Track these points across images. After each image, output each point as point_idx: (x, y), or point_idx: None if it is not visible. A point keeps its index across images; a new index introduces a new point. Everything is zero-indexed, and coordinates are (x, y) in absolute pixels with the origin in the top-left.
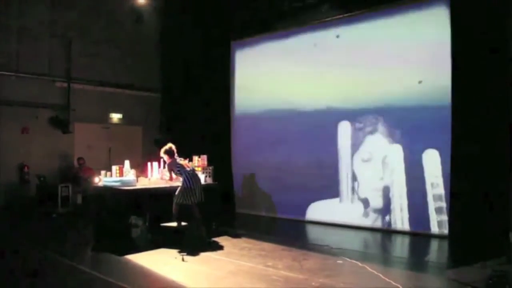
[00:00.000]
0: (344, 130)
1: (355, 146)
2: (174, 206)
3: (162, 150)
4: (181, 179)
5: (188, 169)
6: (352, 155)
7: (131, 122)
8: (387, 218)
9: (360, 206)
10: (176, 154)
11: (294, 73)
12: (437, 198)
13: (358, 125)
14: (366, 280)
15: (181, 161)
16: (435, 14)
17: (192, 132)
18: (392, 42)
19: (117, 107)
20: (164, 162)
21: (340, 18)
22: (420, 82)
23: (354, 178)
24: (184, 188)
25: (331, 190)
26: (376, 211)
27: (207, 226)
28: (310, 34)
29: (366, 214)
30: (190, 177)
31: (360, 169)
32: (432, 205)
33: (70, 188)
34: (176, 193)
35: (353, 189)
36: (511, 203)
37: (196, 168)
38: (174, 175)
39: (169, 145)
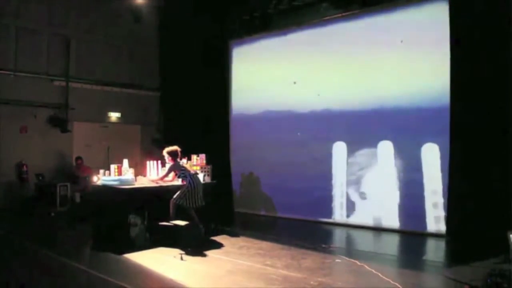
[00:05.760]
0: (342, 131)
1: (353, 147)
2: (172, 205)
3: (166, 149)
4: (175, 180)
5: (191, 172)
6: (349, 155)
7: (130, 121)
8: (386, 216)
9: (358, 205)
10: (179, 157)
11: (292, 73)
12: (434, 196)
13: (355, 126)
14: (364, 279)
15: (185, 164)
16: (435, 13)
17: (191, 131)
18: (391, 42)
19: (115, 106)
20: (163, 162)
21: (338, 17)
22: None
23: (352, 178)
24: (188, 191)
25: (329, 190)
26: (374, 209)
27: (206, 225)
28: (309, 33)
29: (364, 213)
30: (194, 180)
31: (358, 168)
32: (430, 204)
33: (69, 187)
34: (178, 193)
35: (350, 188)
36: (510, 202)
37: (195, 167)
38: (169, 177)
39: (175, 147)
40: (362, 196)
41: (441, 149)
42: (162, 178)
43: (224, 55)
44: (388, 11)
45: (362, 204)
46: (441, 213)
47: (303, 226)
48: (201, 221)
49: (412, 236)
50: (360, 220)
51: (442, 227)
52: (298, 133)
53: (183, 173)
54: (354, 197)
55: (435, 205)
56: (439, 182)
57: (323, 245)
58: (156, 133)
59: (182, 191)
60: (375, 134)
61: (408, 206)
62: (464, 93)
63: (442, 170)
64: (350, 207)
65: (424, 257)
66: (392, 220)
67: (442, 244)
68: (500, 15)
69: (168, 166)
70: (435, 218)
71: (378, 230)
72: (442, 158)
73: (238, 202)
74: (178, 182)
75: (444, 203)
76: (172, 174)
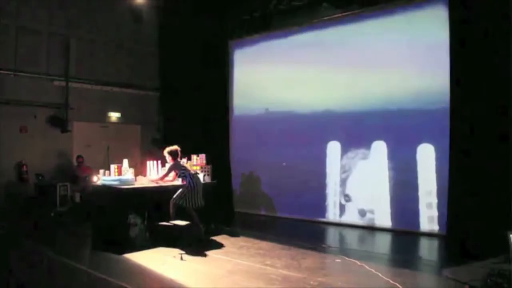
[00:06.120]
0: (342, 131)
1: (351, 146)
2: (172, 205)
3: (167, 149)
4: (176, 180)
5: (191, 172)
6: (347, 155)
7: (130, 121)
8: (383, 216)
9: (357, 205)
10: (179, 157)
11: (292, 73)
12: (430, 196)
13: (353, 126)
14: (364, 279)
15: (185, 164)
16: (435, 14)
17: (191, 131)
18: (391, 42)
19: (115, 106)
20: (163, 162)
21: (339, 17)
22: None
23: (350, 177)
24: (188, 191)
25: (329, 190)
26: (372, 209)
27: (206, 225)
28: (309, 34)
29: (362, 213)
30: (194, 180)
31: (354, 169)
32: (428, 203)
33: (69, 187)
34: (177, 193)
35: (347, 188)
36: (510, 202)
37: (195, 167)
38: (169, 177)
39: (175, 147)
40: (347, 198)
41: (436, 150)
42: (162, 178)
43: (224, 55)
44: (388, 11)
45: (360, 204)
46: (442, 212)
47: (303, 226)
48: (201, 221)
49: (411, 236)
50: (357, 220)
51: (442, 227)
52: (284, 163)
53: (183, 173)
54: (352, 196)
55: (432, 205)
56: (434, 183)
57: (323, 245)
58: (156, 133)
59: (181, 191)
60: (373, 134)
61: (406, 205)
62: (464, 93)
63: (437, 171)
64: (349, 207)
65: (424, 257)
66: (391, 220)
67: (441, 243)
68: (500, 15)
69: (168, 165)
70: (435, 218)
71: (376, 230)
72: (437, 159)
73: (238, 202)
74: (178, 182)
75: (439, 203)
76: (172, 174)
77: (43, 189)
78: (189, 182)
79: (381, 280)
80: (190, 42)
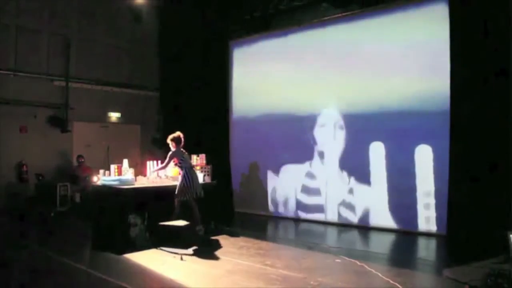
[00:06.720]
0: (340, 134)
1: (348, 148)
2: (175, 203)
3: (170, 136)
4: (176, 180)
5: (189, 165)
6: (347, 155)
7: (130, 121)
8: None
9: (356, 205)
10: (182, 144)
11: (292, 73)
12: (428, 197)
13: (353, 129)
14: (364, 279)
15: (185, 154)
16: (435, 15)
17: (191, 131)
18: (391, 42)
19: (115, 106)
20: (163, 162)
21: (339, 17)
22: None
23: (348, 178)
24: (184, 185)
25: (329, 190)
26: (373, 210)
27: (206, 225)
28: (309, 34)
29: (362, 213)
30: (190, 173)
31: (352, 170)
32: (428, 204)
33: (69, 187)
34: (177, 190)
35: (348, 189)
36: (510, 202)
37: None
38: (171, 165)
39: (178, 133)
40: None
41: (434, 151)
42: (162, 168)
43: (224, 55)
44: (388, 11)
45: (359, 204)
46: (440, 212)
47: (303, 226)
48: (201, 221)
49: (409, 236)
50: (357, 220)
51: (440, 227)
52: None
53: (180, 163)
54: (351, 197)
55: (430, 205)
56: (432, 183)
57: (323, 245)
58: (156, 133)
59: (179, 187)
60: (371, 135)
61: (404, 206)
62: (464, 94)
63: (435, 172)
64: (349, 207)
65: (424, 257)
66: (389, 220)
67: (440, 243)
68: (500, 15)
69: (169, 153)
70: (433, 218)
71: (374, 229)
72: (435, 159)
73: (238, 202)
74: (177, 181)
75: (437, 203)
76: (172, 165)
77: (43, 189)
78: (184, 176)
79: (381, 280)
80: (190, 42)
